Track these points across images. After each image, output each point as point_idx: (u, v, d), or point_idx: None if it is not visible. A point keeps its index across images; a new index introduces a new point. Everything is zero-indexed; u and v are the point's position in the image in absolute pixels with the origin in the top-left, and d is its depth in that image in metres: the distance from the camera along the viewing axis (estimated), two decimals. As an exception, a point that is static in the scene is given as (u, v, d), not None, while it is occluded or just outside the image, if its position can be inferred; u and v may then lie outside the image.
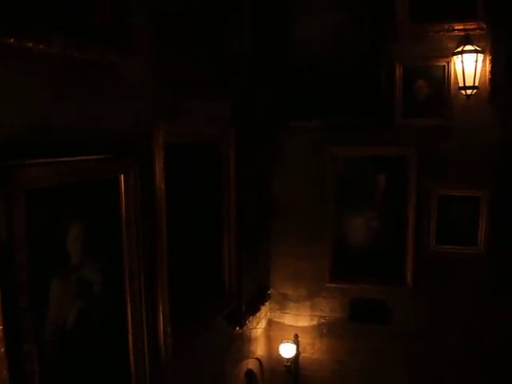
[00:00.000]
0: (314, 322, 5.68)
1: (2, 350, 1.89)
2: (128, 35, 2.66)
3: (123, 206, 2.68)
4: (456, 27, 4.89)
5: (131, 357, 2.80)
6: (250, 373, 5.25)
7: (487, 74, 4.88)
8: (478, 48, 4.79)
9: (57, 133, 2.21)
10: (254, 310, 5.06)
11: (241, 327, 4.72)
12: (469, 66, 4.79)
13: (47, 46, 2.08)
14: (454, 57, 4.87)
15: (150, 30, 2.95)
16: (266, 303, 5.58)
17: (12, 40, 1.90)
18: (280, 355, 5.48)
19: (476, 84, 4.81)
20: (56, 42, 2.13)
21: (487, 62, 4.86)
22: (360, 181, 5.35)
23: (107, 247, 2.60)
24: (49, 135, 2.16)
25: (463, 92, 4.87)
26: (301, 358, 5.63)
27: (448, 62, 4.97)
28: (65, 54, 2.20)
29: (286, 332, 5.68)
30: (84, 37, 2.32)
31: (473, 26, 4.87)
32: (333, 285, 5.49)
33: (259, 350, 5.48)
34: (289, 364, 5.46)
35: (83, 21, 2.36)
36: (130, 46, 2.66)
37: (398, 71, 5.06)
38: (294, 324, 5.71)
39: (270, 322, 5.78)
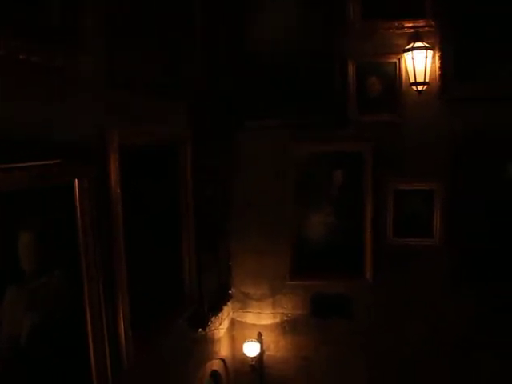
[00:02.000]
0: (277, 320, 5.69)
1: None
2: (78, 35, 2.61)
3: (78, 210, 2.62)
4: (405, 24, 5.00)
5: (92, 363, 2.74)
6: (214, 374, 5.23)
7: (437, 69, 5.01)
8: (427, 45, 4.90)
9: (5, 137, 2.12)
10: (216, 310, 5.03)
11: (203, 329, 4.69)
12: (419, 63, 4.90)
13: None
14: (405, 53, 4.98)
15: (101, 30, 2.90)
16: (228, 303, 5.56)
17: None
18: (244, 354, 5.49)
19: (426, 80, 4.92)
20: (2, 45, 2.07)
21: (436, 58, 4.99)
22: (319, 177, 5.39)
23: (63, 253, 2.54)
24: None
25: (414, 88, 4.97)
26: (265, 356, 5.64)
27: (399, 59, 5.07)
28: (11, 56, 2.14)
29: (249, 331, 5.68)
30: (32, 38, 2.26)
31: (422, 24, 4.99)
32: (294, 282, 5.51)
33: (223, 350, 5.46)
34: (253, 363, 5.47)
35: (32, 22, 2.29)
36: (80, 46, 2.62)
37: (351, 68, 5.12)
38: (256, 322, 5.71)
39: (232, 322, 5.76)
